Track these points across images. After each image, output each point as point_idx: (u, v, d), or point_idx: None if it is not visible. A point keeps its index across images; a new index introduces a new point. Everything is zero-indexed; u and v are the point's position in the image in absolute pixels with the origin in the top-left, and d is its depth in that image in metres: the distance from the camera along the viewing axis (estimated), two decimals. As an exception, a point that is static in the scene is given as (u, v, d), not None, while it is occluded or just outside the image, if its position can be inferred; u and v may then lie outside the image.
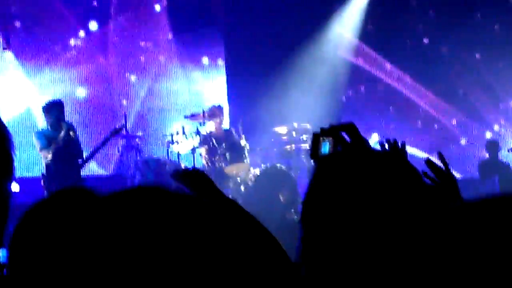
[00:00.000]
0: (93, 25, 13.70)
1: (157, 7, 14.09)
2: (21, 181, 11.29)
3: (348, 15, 14.54)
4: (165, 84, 13.94)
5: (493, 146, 12.83)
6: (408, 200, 1.85)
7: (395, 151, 2.77)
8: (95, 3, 13.64)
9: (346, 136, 2.59)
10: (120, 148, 12.31)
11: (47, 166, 10.21)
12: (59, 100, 10.68)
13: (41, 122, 12.43)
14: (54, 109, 10.32)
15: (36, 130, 10.69)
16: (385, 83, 14.90)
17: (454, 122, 14.91)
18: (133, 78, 13.86)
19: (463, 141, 14.85)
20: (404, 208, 1.83)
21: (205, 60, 14.25)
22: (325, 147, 2.74)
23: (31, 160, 12.41)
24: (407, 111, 14.82)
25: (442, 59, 14.48)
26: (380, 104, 14.78)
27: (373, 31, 14.63)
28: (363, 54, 14.80)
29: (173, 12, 13.97)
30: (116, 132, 10.91)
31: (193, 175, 3.09)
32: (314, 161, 2.80)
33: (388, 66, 14.83)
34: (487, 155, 12.90)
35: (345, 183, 1.87)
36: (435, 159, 2.77)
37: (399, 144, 2.81)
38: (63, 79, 13.25)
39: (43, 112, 10.43)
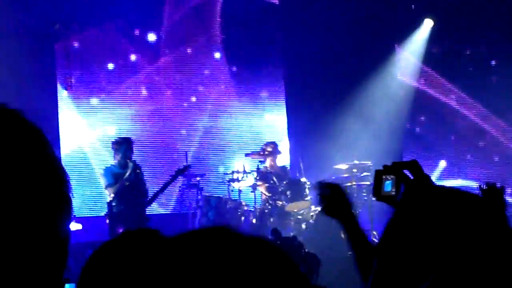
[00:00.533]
0: (150, 60, 13.79)
1: (217, 55, 14.17)
2: (84, 220, 11.42)
3: (411, 46, 14.43)
4: (225, 120, 13.96)
5: None
6: (490, 248, 1.81)
7: (491, 195, 2.73)
8: (151, 38, 13.76)
9: (409, 174, 2.57)
10: (180, 186, 12.38)
11: (111, 204, 10.28)
12: (129, 137, 10.80)
13: (95, 160, 12.59)
14: (123, 146, 10.46)
15: (104, 167, 10.81)
16: (448, 110, 14.66)
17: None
18: (191, 114, 13.90)
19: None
20: (486, 257, 1.79)
21: (265, 96, 14.25)
22: (388, 185, 2.72)
23: (91, 199, 12.56)
24: (471, 139, 14.59)
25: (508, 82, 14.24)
26: (444, 132, 14.58)
27: (437, 56, 14.49)
28: (427, 82, 14.60)
29: (233, 48, 14.04)
30: (181, 172, 11.01)
31: (333, 187, 3.11)
32: (376, 199, 2.78)
33: (452, 93, 14.63)
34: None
35: (430, 223, 1.85)
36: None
37: (498, 187, 2.75)
38: (121, 115, 13.37)
39: (112, 148, 10.56)
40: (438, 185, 2.59)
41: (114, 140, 10.74)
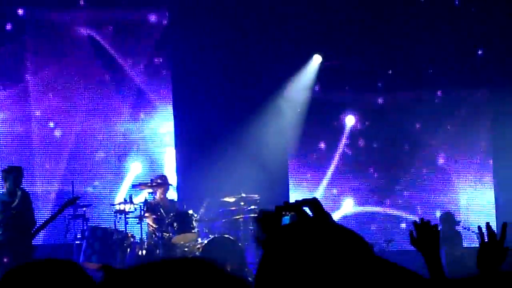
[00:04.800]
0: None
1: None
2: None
3: (300, 80, 14.65)
4: (113, 149, 13.84)
5: (448, 218, 12.98)
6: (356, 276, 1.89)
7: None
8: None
9: (309, 211, 2.63)
10: (66, 216, 12.17)
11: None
12: (18, 166, 10.67)
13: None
14: (12, 173, 10.32)
15: None
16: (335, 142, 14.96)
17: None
18: (78, 143, 13.68)
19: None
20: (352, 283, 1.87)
21: (153, 127, 14.14)
22: (286, 221, 2.76)
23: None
24: (358, 169, 14.93)
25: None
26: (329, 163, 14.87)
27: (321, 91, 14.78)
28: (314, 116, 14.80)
29: (119, 74, 13.97)
30: (70, 203, 10.92)
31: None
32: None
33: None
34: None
35: (294, 256, 1.91)
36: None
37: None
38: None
39: (1, 176, 10.42)
40: (334, 223, 2.67)
41: (3, 168, 10.61)
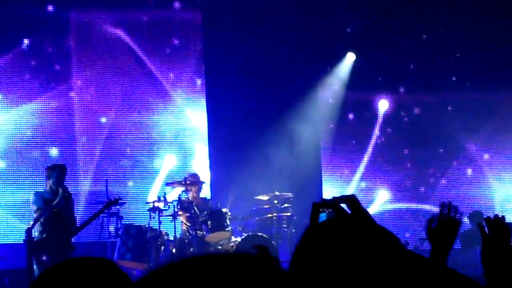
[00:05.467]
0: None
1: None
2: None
3: (334, 75, 14.62)
4: (146, 148, 13.87)
5: (477, 216, 12.85)
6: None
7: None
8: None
9: (347, 208, 2.61)
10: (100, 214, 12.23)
11: (30, 230, 10.10)
12: (62, 164, 10.70)
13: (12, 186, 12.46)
14: (56, 171, 10.36)
15: (35, 191, 10.64)
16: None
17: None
18: (112, 141, 13.71)
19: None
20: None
21: (187, 125, 14.14)
22: (322, 217, 2.74)
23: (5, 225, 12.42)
24: (392, 163, 14.87)
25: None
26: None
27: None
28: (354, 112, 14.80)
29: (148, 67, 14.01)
30: (112, 204, 10.97)
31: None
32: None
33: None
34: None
35: (329, 253, 1.90)
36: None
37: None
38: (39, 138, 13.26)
39: (45, 174, 10.47)
40: (371, 220, 2.63)
41: (47, 166, 10.66)
